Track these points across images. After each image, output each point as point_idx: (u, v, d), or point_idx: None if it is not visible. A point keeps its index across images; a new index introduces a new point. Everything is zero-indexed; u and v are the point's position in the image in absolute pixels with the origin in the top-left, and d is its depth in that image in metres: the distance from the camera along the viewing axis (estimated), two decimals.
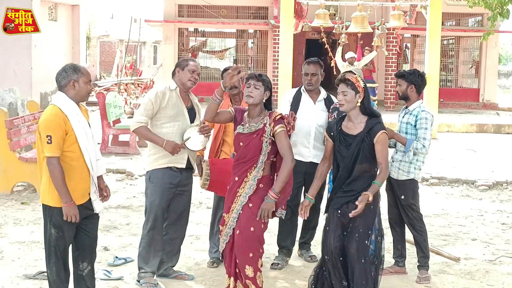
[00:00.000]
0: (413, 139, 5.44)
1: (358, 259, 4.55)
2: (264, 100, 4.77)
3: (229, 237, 4.76)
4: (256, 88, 4.70)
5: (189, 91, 5.35)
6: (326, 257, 4.67)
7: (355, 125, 4.65)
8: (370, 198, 4.46)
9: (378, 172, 4.63)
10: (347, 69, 6.11)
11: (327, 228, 4.71)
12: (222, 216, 5.78)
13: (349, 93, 4.60)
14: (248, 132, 4.72)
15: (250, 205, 4.70)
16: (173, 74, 5.32)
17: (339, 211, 4.64)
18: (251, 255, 4.64)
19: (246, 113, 4.81)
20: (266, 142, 4.68)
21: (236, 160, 4.81)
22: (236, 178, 4.76)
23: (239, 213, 4.71)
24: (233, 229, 4.74)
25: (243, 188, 4.72)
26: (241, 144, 4.74)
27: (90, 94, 4.51)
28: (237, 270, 4.73)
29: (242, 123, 4.77)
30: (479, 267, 5.99)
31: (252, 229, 4.66)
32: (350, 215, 4.49)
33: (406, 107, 5.62)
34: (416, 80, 5.53)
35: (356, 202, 4.46)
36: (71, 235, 4.44)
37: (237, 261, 4.69)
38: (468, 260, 6.16)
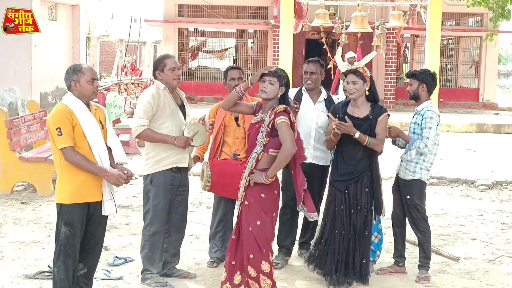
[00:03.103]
0: (416, 138, 5.44)
1: (363, 232, 5.22)
2: (279, 96, 4.81)
3: (234, 226, 4.93)
4: (271, 84, 4.76)
5: (176, 88, 5.30)
6: (335, 231, 5.24)
7: (360, 110, 5.27)
8: (357, 135, 5.11)
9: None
10: (347, 69, 6.12)
11: (336, 208, 5.26)
12: (228, 220, 5.89)
13: (358, 82, 5.22)
14: (254, 122, 4.84)
15: (246, 202, 4.78)
16: (155, 76, 5.21)
17: (346, 192, 5.23)
18: (264, 250, 4.72)
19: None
20: (261, 132, 4.74)
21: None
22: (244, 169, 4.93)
23: (240, 203, 4.83)
24: (238, 217, 4.85)
25: (242, 178, 4.86)
26: (248, 133, 4.93)
27: (95, 92, 4.45)
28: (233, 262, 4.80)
29: (256, 114, 4.90)
30: (479, 266, 5.99)
31: (249, 228, 4.73)
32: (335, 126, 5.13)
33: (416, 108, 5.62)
34: (428, 79, 5.54)
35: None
36: (80, 233, 4.44)
37: (251, 256, 4.70)
38: (468, 260, 6.17)
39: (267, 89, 4.75)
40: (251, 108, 4.98)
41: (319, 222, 6.12)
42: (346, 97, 5.45)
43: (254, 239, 4.71)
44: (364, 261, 5.25)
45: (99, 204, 4.49)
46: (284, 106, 4.78)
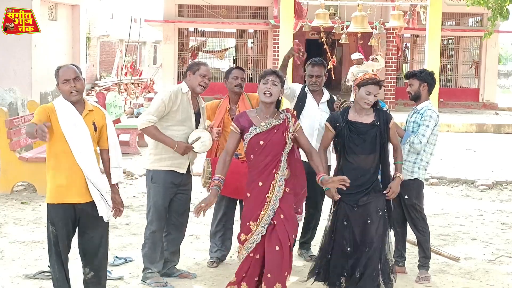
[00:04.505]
0: (410, 134, 5.46)
1: (384, 242, 4.88)
2: (279, 98, 4.58)
3: (255, 245, 4.46)
4: (274, 84, 4.45)
5: (198, 95, 5.32)
6: (339, 247, 4.86)
7: (362, 116, 4.91)
8: (402, 177, 4.98)
9: (394, 154, 5.06)
10: (359, 71, 6.10)
11: (345, 222, 4.85)
12: (228, 219, 5.79)
13: (379, 92, 4.87)
14: (267, 129, 4.45)
15: (282, 216, 4.44)
16: (184, 76, 5.30)
17: (356, 205, 4.82)
18: (286, 273, 4.47)
19: (252, 114, 4.56)
20: (289, 139, 4.47)
21: (254, 163, 4.50)
22: (261, 183, 4.45)
23: (271, 218, 4.44)
24: (262, 237, 4.46)
25: (272, 191, 4.44)
26: (261, 143, 4.42)
27: (73, 92, 4.31)
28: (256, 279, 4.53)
29: (254, 125, 4.48)
30: (479, 266, 5.99)
31: (289, 244, 4.48)
32: (388, 198, 4.93)
33: (416, 107, 5.63)
34: (428, 78, 5.56)
35: (391, 186, 4.91)
36: (65, 234, 4.40)
37: (269, 275, 4.38)
38: (468, 260, 6.17)
39: (272, 90, 4.42)
40: (237, 133, 4.55)
41: (319, 223, 6.14)
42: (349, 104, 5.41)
43: (289, 253, 4.51)
44: (390, 264, 5.01)
45: (88, 206, 4.40)
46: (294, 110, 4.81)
